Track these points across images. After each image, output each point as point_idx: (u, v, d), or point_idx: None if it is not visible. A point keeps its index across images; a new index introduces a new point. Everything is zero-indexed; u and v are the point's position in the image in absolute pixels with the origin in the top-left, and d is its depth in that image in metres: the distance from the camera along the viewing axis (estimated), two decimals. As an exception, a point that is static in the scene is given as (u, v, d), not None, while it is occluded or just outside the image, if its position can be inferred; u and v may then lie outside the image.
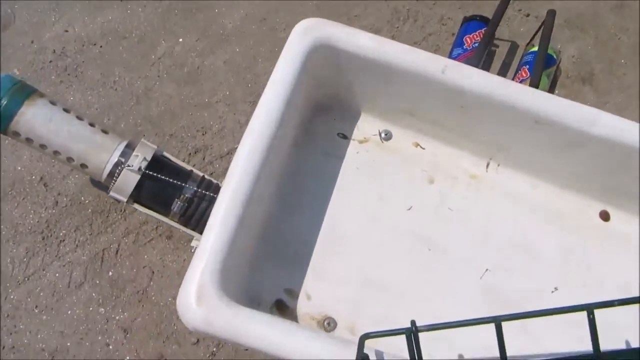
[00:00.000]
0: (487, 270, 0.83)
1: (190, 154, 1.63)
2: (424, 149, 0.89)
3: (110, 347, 1.43)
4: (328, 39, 0.74)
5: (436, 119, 0.84)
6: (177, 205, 1.09)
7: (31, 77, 1.75)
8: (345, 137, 0.88)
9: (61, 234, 1.54)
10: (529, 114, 0.73)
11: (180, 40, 1.77)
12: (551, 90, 1.66)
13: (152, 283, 1.48)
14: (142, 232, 1.53)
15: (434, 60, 0.73)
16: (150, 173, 1.10)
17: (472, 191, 0.87)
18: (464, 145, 0.88)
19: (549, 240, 0.86)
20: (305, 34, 0.73)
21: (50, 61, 1.76)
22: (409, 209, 0.85)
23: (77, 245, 1.53)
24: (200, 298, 0.60)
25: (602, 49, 1.75)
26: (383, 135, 0.89)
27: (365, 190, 0.85)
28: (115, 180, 1.10)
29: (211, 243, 0.63)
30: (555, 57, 1.62)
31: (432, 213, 0.85)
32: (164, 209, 1.14)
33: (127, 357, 1.41)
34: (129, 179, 1.09)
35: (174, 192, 1.10)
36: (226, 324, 0.59)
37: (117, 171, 1.10)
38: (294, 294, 0.77)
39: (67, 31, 1.80)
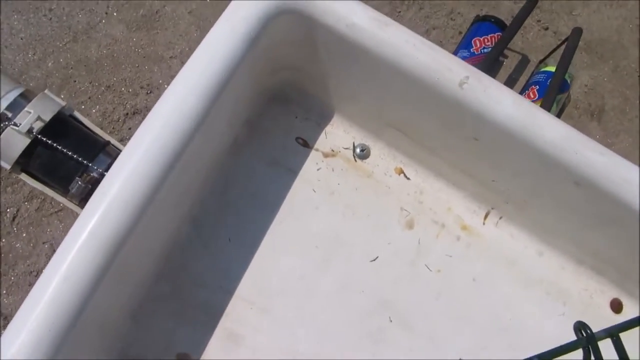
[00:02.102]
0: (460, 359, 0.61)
1: (127, 114, 1.34)
2: (408, 179, 0.65)
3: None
4: (303, 2, 0.49)
5: (433, 143, 0.61)
6: (77, 185, 0.82)
7: (-53, -18, 1.42)
8: (306, 145, 0.64)
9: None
10: (572, 172, 0.50)
11: (142, -26, 1.46)
12: (557, 119, 1.45)
13: (49, 263, 1.21)
14: (50, 200, 1.25)
15: (454, 65, 0.49)
16: (44, 139, 0.82)
17: (460, 247, 0.65)
18: (462, 184, 0.65)
19: (547, 327, 0.64)
20: (268, -14, 0.48)
21: (-25, -33, 1.43)
22: (374, 260, 0.62)
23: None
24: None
25: (619, 83, 1.55)
26: (358, 150, 0.65)
27: (319, 224, 0.61)
28: (-4, 140, 0.81)
29: (48, 301, 0.38)
30: (569, 82, 1.41)
31: (404, 270, 0.62)
32: (61, 187, 0.86)
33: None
34: (13, 142, 0.82)
35: (77, 167, 0.83)
36: None
37: (1, 126, 0.82)
38: None
39: None
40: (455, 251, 0.65)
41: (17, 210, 1.24)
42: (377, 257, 0.62)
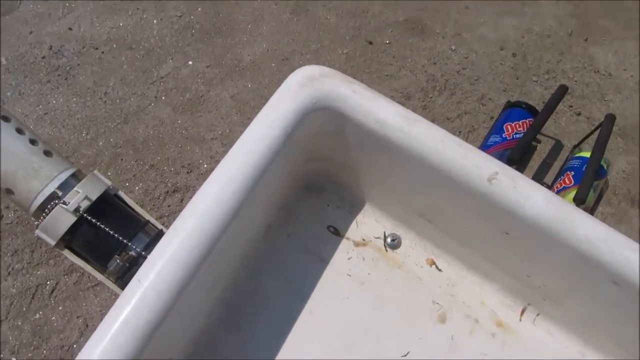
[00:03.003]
0: None
1: (167, 192, 1.40)
2: (440, 270, 0.65)
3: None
4: (335, 99, 0.52)
5: (464, 235, 0.61)
6: (115, 263, 0.85)
7: (18, 70, 1.57)
8: (337, 234, 0.65)
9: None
10: (609, 270, 0.49)
11: (190, 63, 1.58)
12: (595, 206, 1.42)
13: (82, 339, 1.22)
14: (88, 274, 1.28)
15: (483, 161, 0.50)
16: (88, 218, 0.86)
17: (495, 346, 0.62)
18: (496, 277, 0.64)
19: None
20: (304, 85, 0.51)
21: (44, 57, 1.58)
22: (405, 355, 0.60)
23: (9, 273, 1.28)
24: None
25: (658, 169, 1.51)
26: (389, 240, 0.65)
27: (349, 314, 0.61)
28: (44, 217, 0.86)
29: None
30: (605, 168, 1.39)
31: (436, 367, 0.60)
32: (99, 264, 0.89)
33: None
34: (61, 220, 0.86)
35: (117, 245, 0.86)
36: None
37: (50, 206, 0.86)
38: None
39: (71, 29, 1.63)
40: (491, 350, 0.62)
41: (57, 284, 1.28)
42: (409, 353, 0.60)
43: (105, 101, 1.52)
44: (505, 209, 0.50)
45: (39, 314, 1.23)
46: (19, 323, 1.22)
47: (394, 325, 0.61)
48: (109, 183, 0.96)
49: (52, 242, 0.87)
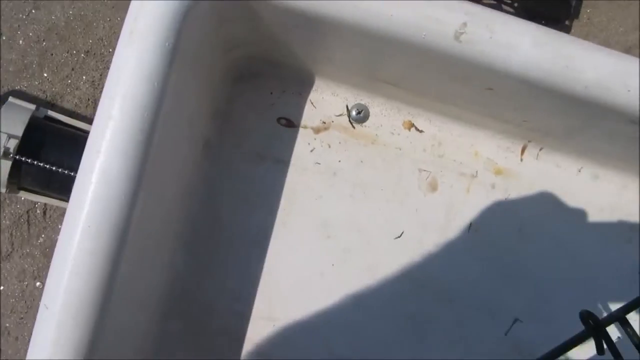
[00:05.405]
0: (516, 320, 0.54)
1: (115, 77, 1.23)
2: (421, 131, 0.54)
3: (56, 327, 1.23)
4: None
5: (442, 94, 0.48)
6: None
7: None
8: (291, 124, 0.53)
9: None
10: (625, 112, 0.38)
11: None
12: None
13: (93, 248, 1.22)
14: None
15: (443, 12, 0.35)
16: (23, 159, 0.77)
17: (497, 196, 0.55)
18: (488, 124, 0.53)
19: (614, 261, 0.56)
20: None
21: None
22: (399, 237, 0.54)
23: (-5, 207, 1.24)
24: None
25: None
26: (354, 113, 0.53)
27: (327, 213, 0.53)
28: (-22, 166, 0.77)
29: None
30: None
31: (436, 239, 0.54)
32: (60, 193, 0.83)
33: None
34: (-4, 166, 0.77)
35: (70, 170, 0.78)
36: None
37: (-21, 154, 0.77)
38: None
39: None
40: (493, 202, 0.55)
41: (45, 204, 1.23)
42: (402, 233, 0.54)
43: (2, -11, 1.26)
44: (484, 67, 0.37)
45: (42, 237, 1.22)
46: (28, 250, 1.22)
47: (380, 211, 0.53)
48: (32, 107, 0.83)
49: (2, 190, 0.80)
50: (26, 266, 1.25)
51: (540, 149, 0.55)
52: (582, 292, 0.54)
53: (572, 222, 0.55)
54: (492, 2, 0.96)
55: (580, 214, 0.55)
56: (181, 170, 0.48)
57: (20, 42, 1.30)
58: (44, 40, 1.27)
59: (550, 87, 0.37)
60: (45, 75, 1.28)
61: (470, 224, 0.55)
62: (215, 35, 0.42)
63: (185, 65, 0.39)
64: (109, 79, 0.35)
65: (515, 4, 0.94)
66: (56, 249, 0.34)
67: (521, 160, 0.55)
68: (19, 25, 1.29)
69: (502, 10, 0.98)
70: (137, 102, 0.33)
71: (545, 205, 0.55)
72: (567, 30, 1.05)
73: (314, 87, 0.53)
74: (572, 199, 0.55)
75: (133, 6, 0.34)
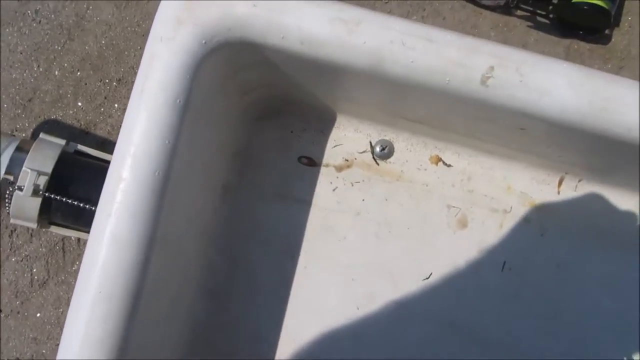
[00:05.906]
0: (557, 365, 0.51)
1: (145, 103, 1.25)
2: (449, 166, 0.52)
3: (91, 351, 1.25)
4: (232, 29, 0.34)
5: (469, 131, 0.46)
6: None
7: None
8: (312, 163, 0.51)
9: (10, 222, 1.28)
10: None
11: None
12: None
13: (126, 273, 1.24)
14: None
15: (467, 55, 0.33)
16: (52, 196, 0.78)
17: (532, 232, 0.52)
18: (520, 157, 0.50)
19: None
20: (180, 23, 0.33)
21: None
22: (427, 278, 0.51)
23: (31, 235, 1.27)
24: None
25: None
26: (378, 149, 0.51)
27: (351, 254, 0.51)
28: (9, 205, 0.79)
29: None
30: None
31: (467, 279, 0.51)
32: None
33: (112, 361, 1.23)
34: (26, 205, 0.78)
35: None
36: None
37: (8, 193, 0.78)
38: None
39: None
40: (528, 238, 0.52)
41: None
42: (431, 274, 0.51)
43: (40, 21, 1.30)
44: (514, 110, 0.35)
45: (77, 265, 1.24)
46: (63, 277, 1.25)
47: (407, 251, 0.51)
48: (61, 142, 0.84)
49: (34, 226, 0.81)
50: (61, 293, 1.27)
51: (579, 181, 0.52)
52: (628, 337, 0.49)
53: (616, 260, 0.51)
54: (526, 14, 0.92)
55: (625, 251, 0.51)
56: (199, 219, 0.47)
57: (56, 72, 1.34)
58: (78, 70, 1.31)
59: (590, 130, 0.34)
60: (80, 104, 1.31)
61: (504, 262, 0.51)
62: (230, 83, 0.41)
63: (198, 117, 0.38)
64: (120, 137, 0.35)
65: (551, 15, 0.90)
66: (67, 317, 0.34)
67: (558, 193, 0.52)
68: (54, 57, 1.32)
69: (536, 22, 0.93)
70: (148, 161, 0.33)
71: (586, 241, 0.52)
72: (607, 39, 0.99)
73: (336, 124, 0.51)
74: (615, 235, 0.51)
75: (143, 63, 0.33)
